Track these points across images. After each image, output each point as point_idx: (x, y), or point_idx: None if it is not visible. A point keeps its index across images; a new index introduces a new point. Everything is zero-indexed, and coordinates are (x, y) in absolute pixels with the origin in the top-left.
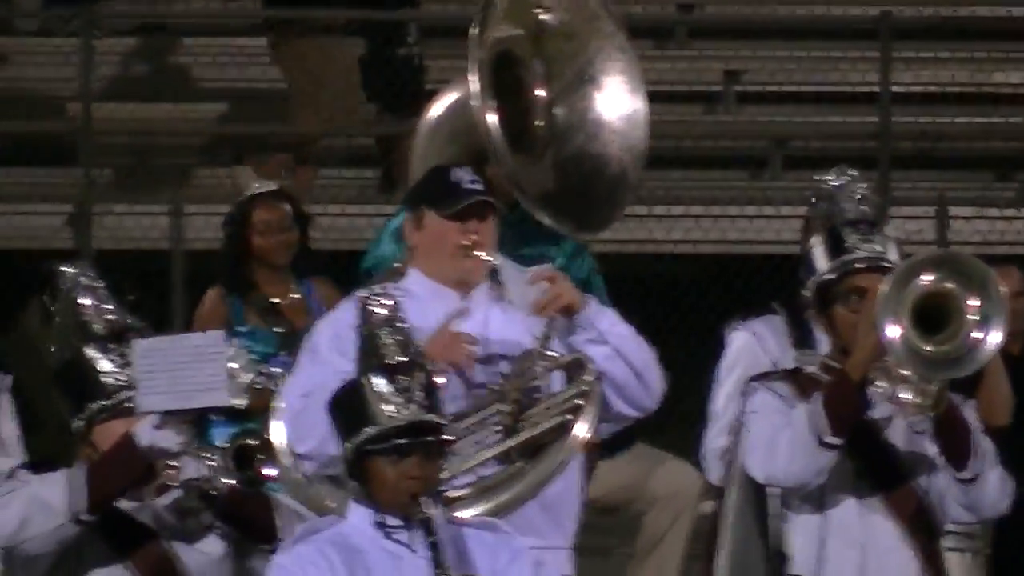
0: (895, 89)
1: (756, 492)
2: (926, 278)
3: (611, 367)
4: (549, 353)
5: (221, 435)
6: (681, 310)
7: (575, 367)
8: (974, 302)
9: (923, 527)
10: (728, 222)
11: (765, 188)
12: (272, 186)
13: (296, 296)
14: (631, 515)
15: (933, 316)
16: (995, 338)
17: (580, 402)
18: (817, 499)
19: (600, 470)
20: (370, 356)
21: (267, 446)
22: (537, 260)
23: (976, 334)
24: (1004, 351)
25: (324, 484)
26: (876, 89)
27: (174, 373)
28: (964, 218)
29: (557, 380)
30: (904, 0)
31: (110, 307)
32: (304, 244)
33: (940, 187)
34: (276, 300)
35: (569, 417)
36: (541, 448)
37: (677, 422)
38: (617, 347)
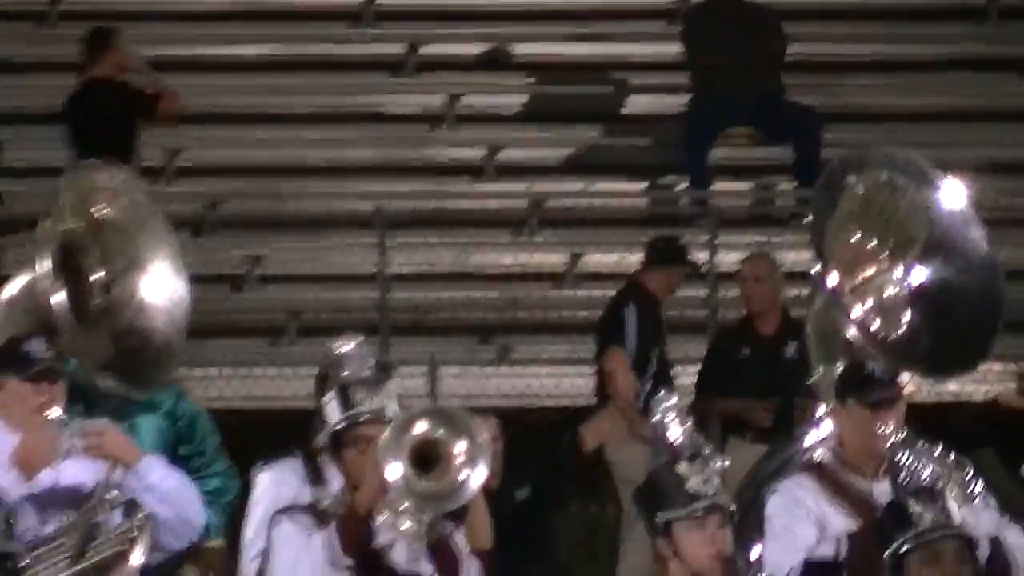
0: (392, 271)
1: None
2: (420, 427)
3: (158, 510)
4: (109, 494)
5: None
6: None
7: (130, 507)
8: (461, 447)
9: None
10: (253, 381)
11: (284, 352)
12: None
13: None
14: None
15: (427, 459)
16: (479, 477)
17: (134, 535)
18: None
19: None
20: None
21: None
22: (149, 402)
23: (463, 474)
24: (485, 486)
25: None
26: (375, 270)
27: None
28: (452, 376)
29: (117, 515)
30: (394, 195)
31: None
32: None
33: (432, 350)
34: None
35: (126, 547)
36: (103, 572)
37: None
38: (163, 496)
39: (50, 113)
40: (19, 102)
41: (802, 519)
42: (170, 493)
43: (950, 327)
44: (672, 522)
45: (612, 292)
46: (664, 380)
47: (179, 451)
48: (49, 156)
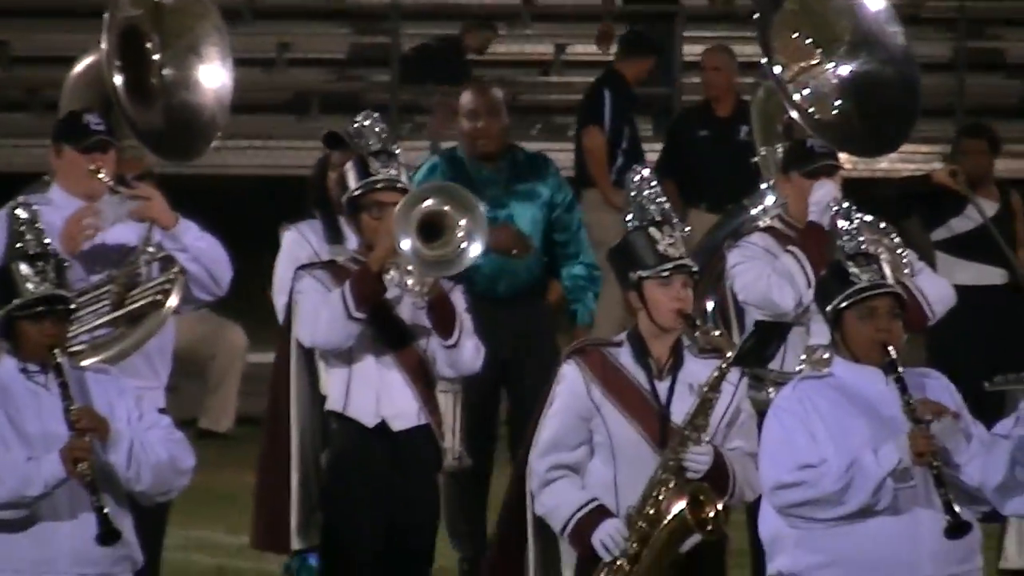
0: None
1: (307, 352)
2: (430, 201)
3: (191, 267)
4: (148, 250)
5: None
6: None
7: (166, 262)
8: (463, 221)
9: (422, 377)
10: (281, 152)
11: (310, 126)
12: None
13: None
14: (200, 362)
15: (433, 229)
16: (476, 249)
17: (169, 287)
18: (347, 356)
19: (179, 327)
20: (15, 247)
21: None
22: (529, 192)
23: (463, 245)
24: None
25: None
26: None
27: None
28: None
29: (155, 269)
30: None
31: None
32: None
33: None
34: None
35: (160, 297)
36: (139, 318)
37: (246, 303)
38: (196, 255)
39: None
40: None
41: (764, 260)
42: (202, 252)
43: (875, 112)
44: (643, 280)
45: (589, 80)
46: (635, 156)
47: (554, 237)
48: None
